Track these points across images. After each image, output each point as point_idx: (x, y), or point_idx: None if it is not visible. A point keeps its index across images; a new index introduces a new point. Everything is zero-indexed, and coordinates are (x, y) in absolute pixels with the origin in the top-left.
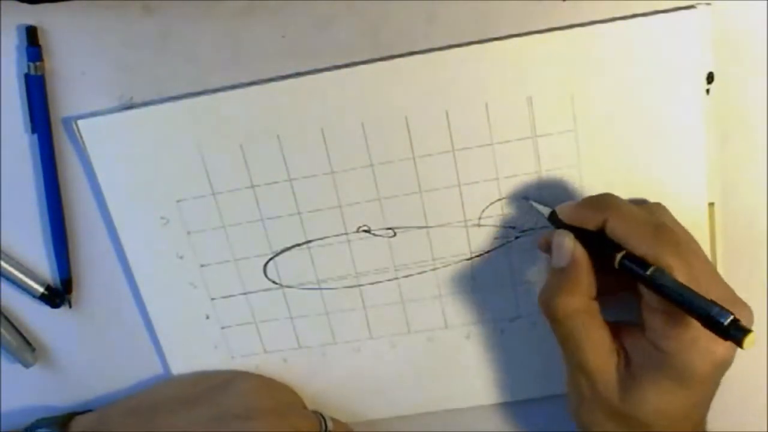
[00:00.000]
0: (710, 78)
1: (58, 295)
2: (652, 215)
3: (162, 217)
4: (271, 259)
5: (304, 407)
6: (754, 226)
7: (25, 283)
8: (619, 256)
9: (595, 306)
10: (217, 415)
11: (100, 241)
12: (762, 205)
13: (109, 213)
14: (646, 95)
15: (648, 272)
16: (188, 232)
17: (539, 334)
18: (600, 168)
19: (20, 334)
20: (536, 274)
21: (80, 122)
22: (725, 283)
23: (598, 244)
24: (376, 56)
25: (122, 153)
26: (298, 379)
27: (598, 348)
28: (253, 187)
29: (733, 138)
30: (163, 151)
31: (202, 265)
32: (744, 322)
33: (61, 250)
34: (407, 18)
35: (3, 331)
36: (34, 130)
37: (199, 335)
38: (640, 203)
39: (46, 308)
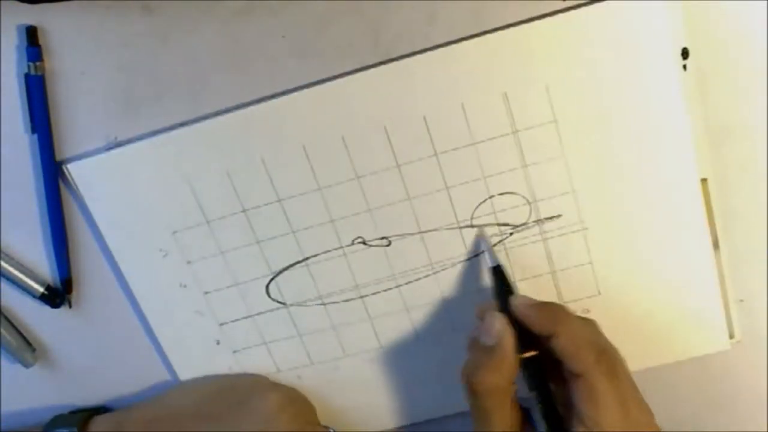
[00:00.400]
0: (685, 53)
1: (58, 295)
2: (597, 337)
3: (160, 250)
4: (272, 279)
5: (318, 423)
6: (751, 199)
7: (26, 283)
8: (527, 355)
9: (513, 388)
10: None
11: (100, 242)
12: (763, 204)
13: (109, 250)
14: (622, 77)
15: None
16: (188, 262)
17: None
18: (585, 155)
19: (20, 334)
20: (536, 269)
21: (70, 166)
22: (647, 407)
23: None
24: (376, 57)
25: (114, 191)
26: (314, 395)
27: (508, 429)
28: (244, 211)
29: (734, 136)
30: (153, 185)
31: (205, 293)
32: None
33: (61, 250)
34: (407, 18)
35: (3, 331)
36: (34, 130)
37: (212, 361)
38: (584, 320)
39: (46, 308)
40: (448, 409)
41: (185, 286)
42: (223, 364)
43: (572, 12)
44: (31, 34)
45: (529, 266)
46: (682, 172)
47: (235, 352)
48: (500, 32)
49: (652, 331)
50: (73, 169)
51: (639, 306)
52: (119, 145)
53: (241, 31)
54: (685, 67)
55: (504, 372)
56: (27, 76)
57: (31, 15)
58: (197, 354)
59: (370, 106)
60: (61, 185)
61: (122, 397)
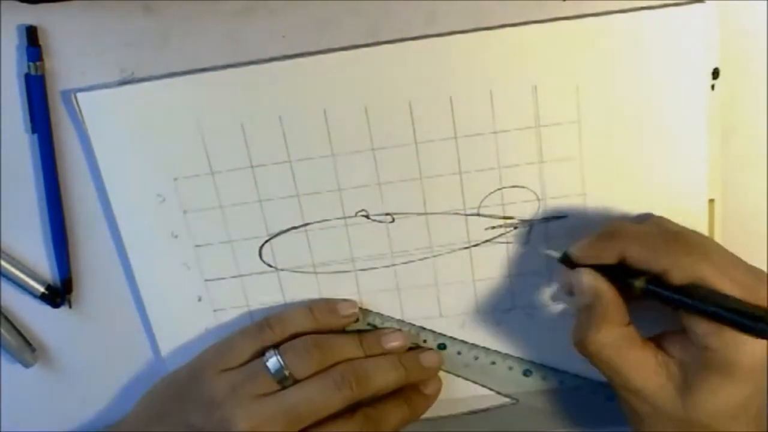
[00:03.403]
0: (716, 74)
1: (58, 294)
2: (661, 229)
3: (158, 195)
4: (267, 241)
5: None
6: (754, 223)
7: (26, 282)
8: (638, 284)
9: (630, 331)
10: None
11: (100, 241)
12: (762, 203)
13: (105, 189)
14: (650, 89)
15: (676, 295)
16: (184, 211)
17: (534, 325)
18: (601, 160)
19: (20, 334)
20: (532, 266)
21: (80, 95)
22: (747, 264)
23: (618, 273)
24: None
25: (121, 128)
26: None
27: (643, 370)
28: (252, 167)
29: (735, 135)
30: (162, 127)
31: (196, 246)
32: None
33: (61, 249)
34: (407, 18)
35: (3, 331)
36: (34, 130)
37: (190, 317)
38: (645, 219)
39: (46, 308)
40: None
41: (176, 236)
42: (201, 322)
43: (614, 16)
44: (31, 34)
45: (527, 262)
46: (692, 192)
47: (215, 311)
48: (541, 24)
49: None
50: (82, 99)
51: None
52: (134, 80)
53: (241, 31)
54: (713, 87)
55: (614, 321)
56: (27, 76)
57: (31, 15)
58: (177, 308)
59: (398, 80)
60: (61, 185)
61: (122, 398)
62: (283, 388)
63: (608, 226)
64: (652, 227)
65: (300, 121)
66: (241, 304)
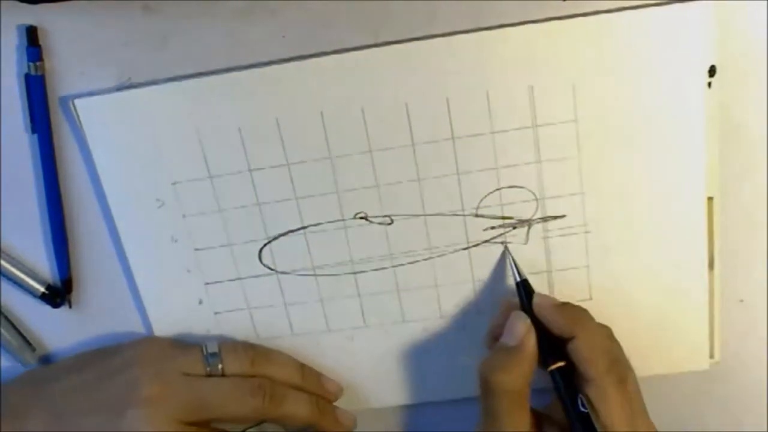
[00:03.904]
0: (712, 71)
1: (58, 294)
2: (611, 345)
3: (157, 199)
4: (266, 244)
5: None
6: (753, 221)
7: (26, 282)
8: (551, 365)
9: (527, 390)
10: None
11: (100, 241)
12: (762, 201)
13: (105, 194)
14: (647, 87)
15: (578, 397)
16: (183, 215)
17: None
18: (599, 159)
19: (20, 334)
20: (532, 265)
21: (77, 101)
22: (652, 424)
23: (545, 340)
24: None
25: (119, 133)
26: None
27: (519, 427)
28: (250, 170)
29: (735, 133)
30: (160, 132)
31: (196, 249)
32: None
33: (61, 249)
34: (407, 18)
35: (3, 331)
36: (34, 130)
37: (191, 320)
38: (601, 326)
39: (46, 308)
40: (425, 397)
41: (176, 240)
42: (202, 325)
43: (609, 15)
44: (31, 34)
45: (527, 262)
46: (690, 190)
47: (216, 313)
48: (537, 25)
49: (634, 343)
50: (80, 105)
51: (627, 317)
52: (132, 86)
53: (241, 31)
54: (710, 84)
55: (524, 374)
56: (27, 76)
57: (31, 15)
58: (178, 311)
59: (394, 82)
60: (61, 185)
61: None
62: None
63: (576, 308)
64: (608, 341)
65: (297, 124)
66: (242, 307)
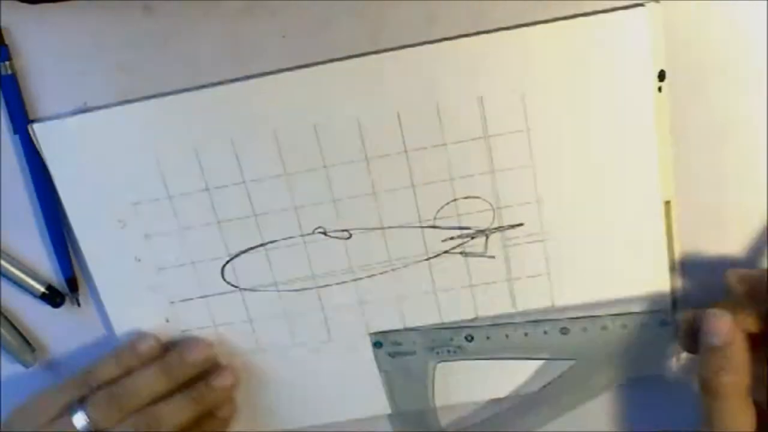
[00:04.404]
0: (662, 76)
1: (58, 294)
2: None
3: (119, 220)
4: (228, 261)
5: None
6: (711, 224)
7: (26, 282)
8: None
9: (749, 387)
10: None
11: None
12: (719, 203)
13: (67, 216)
14: (598, 93)
15: None
16: (145, 235)
17: (499, 336)
18: (554, 167)
19: (20, 334)
20: (492, 274)
21: (36, 126)
22: None
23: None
24: None
25: (78, 156)
26: (259, 382)
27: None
28: (207, 189)
29: (689, 136)
30: (118, 154)
31: (160, 269)
32: None
33: (61, 249)
34: (407, 18)
35: (3, 331)
36: (15, 130)
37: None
38: None
39: (47, 308)
40: (396, 408)
41: (140, 260)
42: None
43: (553, 23)
44: None
45: (486, 271)
46: (646, 193)
47: (183, 331)
48: (482, 36)
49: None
50: (38, 130)
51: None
52: (89, 109)
53: (241, 31)
54: (660, 89)
55: (745, 371)
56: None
57: (31, 15)
58: (145, 330)
59: (345, 98)
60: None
61: None
62: None
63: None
64: None
65: (252, 143)
66: (208, 324)
